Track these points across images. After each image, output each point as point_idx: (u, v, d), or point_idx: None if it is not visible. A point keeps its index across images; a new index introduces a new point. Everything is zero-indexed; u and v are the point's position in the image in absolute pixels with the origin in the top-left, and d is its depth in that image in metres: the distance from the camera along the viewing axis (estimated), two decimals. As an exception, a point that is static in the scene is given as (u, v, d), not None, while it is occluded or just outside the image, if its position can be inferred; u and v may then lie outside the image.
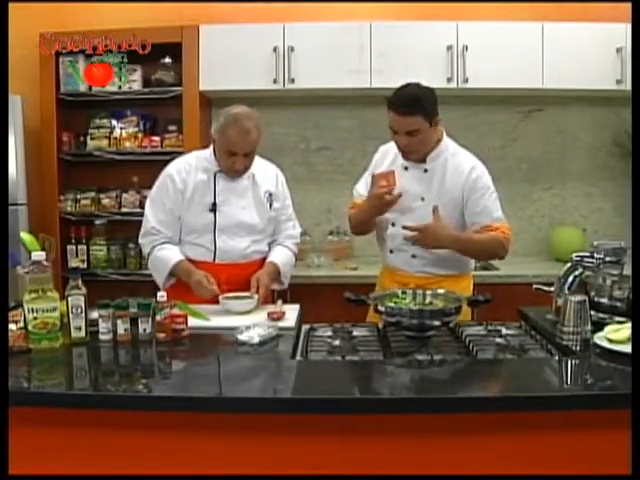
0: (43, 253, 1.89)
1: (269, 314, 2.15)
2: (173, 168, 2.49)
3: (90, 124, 3.64)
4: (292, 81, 3.41)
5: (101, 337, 1.91)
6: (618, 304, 1.99)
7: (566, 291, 2.02)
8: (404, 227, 2.26)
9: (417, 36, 3.38)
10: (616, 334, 1.78)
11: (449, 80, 3.39)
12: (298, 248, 2.67)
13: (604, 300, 2.02)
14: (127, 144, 3.58)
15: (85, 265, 3.60)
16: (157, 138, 3.59)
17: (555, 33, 3.37)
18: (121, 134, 3.59)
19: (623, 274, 2.03)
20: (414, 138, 2.27)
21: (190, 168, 2.46)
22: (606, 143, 3.80)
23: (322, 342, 1.95)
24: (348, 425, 1.54)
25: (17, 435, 1.49)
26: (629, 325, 1.75)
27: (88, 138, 3.61)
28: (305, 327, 2.13)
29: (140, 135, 3.61)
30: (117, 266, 3.64)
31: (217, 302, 2.27)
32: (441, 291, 2.11)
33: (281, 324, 2.07)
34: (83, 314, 1.90)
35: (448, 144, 2.41)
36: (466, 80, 3.39)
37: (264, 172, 2.55)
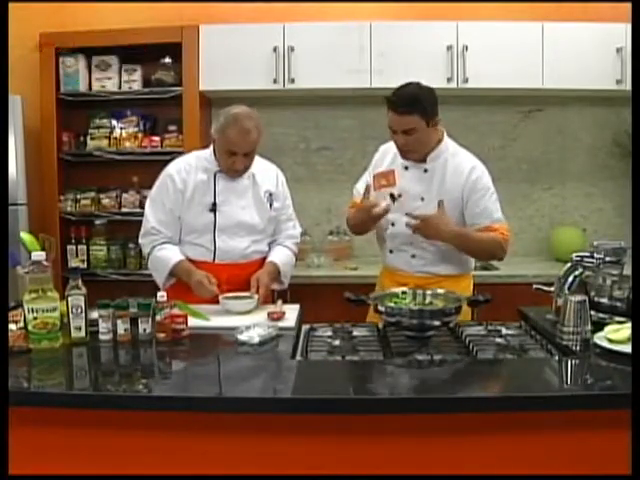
0: (43, 253, 1.89)
1: (269, 314, 2.15)
2: (173, 168, 2.49)
3: (90, 124, 3.64)
4: (292, 81, 3.41)
5: (101, 337, 1.91)
6: (618, 304, 1.99)
7: (566, 291, 2.02)
8: (407, 214, 2.26)
9: (417, 36, 3.38)
10: (616, 334, 1.78)
11: (449, 80, 3.39)
12: (298, 248, 2.67)
13: (604, 300, 2.02)
14: (127, 144, 3.58)
15: (85, 265, 3.60)
16: (157, 138, 3.59)
17: (555, 33, 3.37)
18: (121, 134, 3.59)
19: (623, 274, 2.03)
20: (411, 137, 2.27)
21: (190, 168, 2.46)
22: (606, 143, 3.80)
23: (322, 342, 1.95)
24: (348, 425, 1.54)
25: (17, 435, 1.49)
26: (629, 325, 1.75)
27: (88, 138, 3.61)
28: (305, 327, 2.13)
29: (140, 135, 3.61)
30: (117, 266, 3.64)
31: (217, 302, 2.27)
32: (441, 291, 2.11)
33: (281, 324, 2.07)
34: (83, 314, 1.90)
35: (448, 144, 2.41)
36: (466, 80, 3.39)
37: (264, 172, 2.55)
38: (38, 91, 3.51)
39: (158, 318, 1.91)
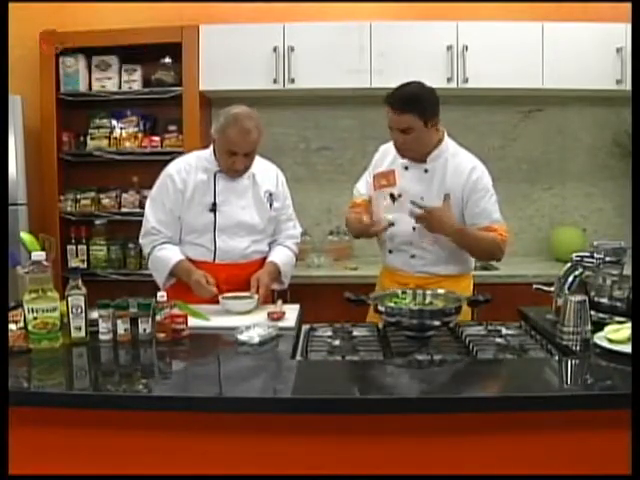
0: (43, 253, 1.89)
1: (269, 314, 2.15)
2: (173, 168, 2.49)
3: (90, 124, 3.64)
4: (292, 81, 3.41)
5: (101, 337, 1.91)
6: (618, 304, 1.99)
7: (566, 291, 2.02)
8: (412, 202, 2.25)
9: (417, 36, 3.38)
10: (616, 334, 1.78)
11: (449, 80, 3.39)
12: (298, 248, 2.67)
13: (604, 300, 2.02)
14: (127, 144, 3.58)
15: (85, 265, 3.60)
16: (157, 138, 3.59)
17: (555, 33, 3.37)
18: (121, 134, 3.59)
19: (623, 274, 2.03)
20: (408, 136, 2.28)
21: (190, 168, 2.46)
22: (606, 143, 3.80)
23: (322, 342, 1.95)
24: (348, 425, 1.54)
25: (17, 435, 1.49)
26: (629, 325, 1.75)
27: (88, 138, 3.61)
28: (305, 327, 2.13)
29: (140, 135, 3.61)
30: (117, 266, 3.64)
31: (217, 302, 2.27)
32: (441, 291, 2.11)
33: (281, 324, 2.07)
34: (83, 314, 1.90)
35: (449, 144, 2.41)
36: (466, 80, 3.39)
37: (264, 172, 2.55)
38: (38, 91, 3.51)
39: (158, 318, 1.91)
